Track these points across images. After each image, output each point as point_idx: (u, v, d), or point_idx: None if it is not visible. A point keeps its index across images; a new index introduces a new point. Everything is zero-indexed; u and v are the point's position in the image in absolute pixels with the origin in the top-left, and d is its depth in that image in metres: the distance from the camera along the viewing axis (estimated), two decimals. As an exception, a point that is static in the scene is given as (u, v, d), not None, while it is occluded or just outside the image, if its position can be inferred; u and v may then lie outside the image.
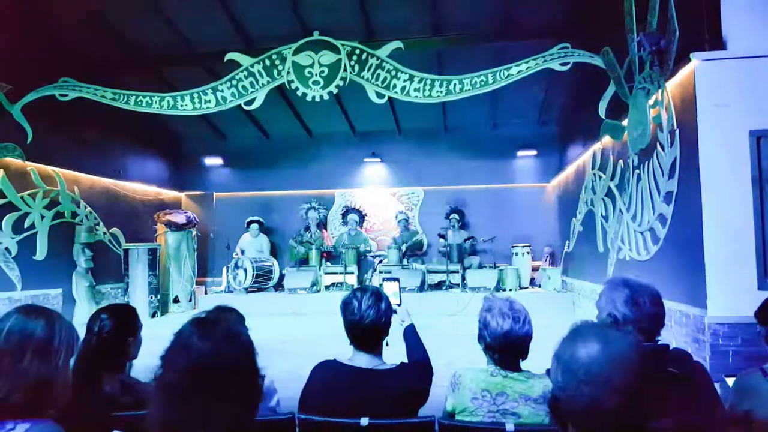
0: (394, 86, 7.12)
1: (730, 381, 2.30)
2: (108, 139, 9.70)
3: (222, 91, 7.51)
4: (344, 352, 2.06)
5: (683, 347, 4.39)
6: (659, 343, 1.79)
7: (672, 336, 4.76)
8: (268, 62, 7.41)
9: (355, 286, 7.60)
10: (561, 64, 6.43)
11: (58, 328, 1.33)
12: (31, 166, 7.98)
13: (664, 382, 1.61)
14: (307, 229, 11.49)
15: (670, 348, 1.80)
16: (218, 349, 1.09)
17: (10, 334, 1.28)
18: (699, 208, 4.33)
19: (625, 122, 5.94)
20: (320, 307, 9.19)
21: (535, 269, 10.51)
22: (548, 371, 1.21)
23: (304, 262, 10.94)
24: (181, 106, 7.62)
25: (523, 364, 1.94)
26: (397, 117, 11.09)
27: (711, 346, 4.18)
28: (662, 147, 5.02)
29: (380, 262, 10.84)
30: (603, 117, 6.38)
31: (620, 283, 1.84)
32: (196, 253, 10.74)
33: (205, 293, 11.05)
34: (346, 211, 11.75)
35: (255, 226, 11.13)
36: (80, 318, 8.43)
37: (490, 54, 8.19)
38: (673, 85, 4.83)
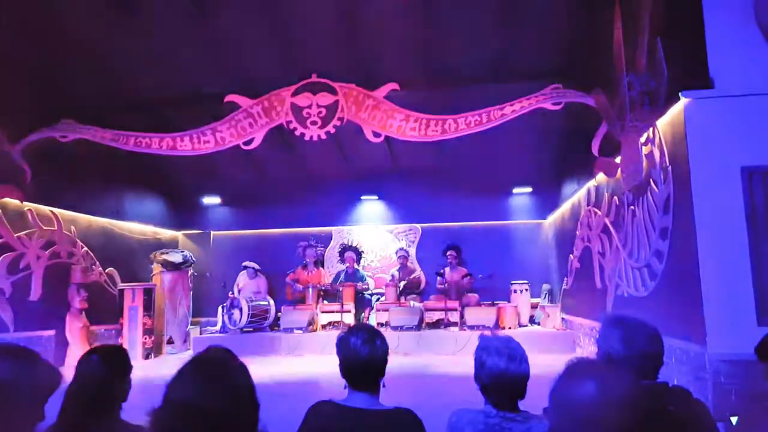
0: (391, 126, 7.24)
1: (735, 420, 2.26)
2: (107, 179, 9.74)
3: (221, 131, 7.62)
4: (341, 393, 2.03)
5: (685, 385, 4.32)
6: (658, 381, 1.77)
7: (673, 374, 4.69)
8: (266, 104, 7.55)
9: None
10: (553, 104, 6.57)
11: (26, 370, 1.27)
12: (29, 207, 8.00)
13: (664, 421, 1.58)
14: (305, 267, 11.44)
15: (670, 386, 1.78)
16: (214, 390, 1.09)
17: None
18: (694, 243, 4.34)
19: (618, 159, 6.02)
20: (317, 346, 9.06)
21: (534, 307, 10.42)
22: (545, 410, 1.19)
23: (300, 300, 10.84)
24: (181, 146, 7.71)
25: (523, 405, 1.91)
26: (393, 155, 11.21)
27: (713, 384, 4.11)
28: (656, 183, 5.08)
29: (377, 300, 10.75)
30: (596, 154, 6.48)
31: (615, 320, 1.83)
32: (191, 293, 10.64)
33: (200, 334, 10.89)
34: (344, 249, 11.71)
35: (251, 270, 11.11)
36: (73, 360, 8.27)
37: (484, 94, 8.35)
38: (664, 123, 4.93)
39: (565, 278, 9.59)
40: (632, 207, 5.80)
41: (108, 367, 1.97)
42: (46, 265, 8.23)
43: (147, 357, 9.13)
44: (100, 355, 1.99)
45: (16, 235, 7.75)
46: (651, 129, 5.09)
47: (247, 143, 7.66)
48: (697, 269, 4.30)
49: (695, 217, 4.35)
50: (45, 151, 7.79)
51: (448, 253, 11.01)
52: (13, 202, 7.65)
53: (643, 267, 5.53)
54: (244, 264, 11.17)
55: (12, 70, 7.45)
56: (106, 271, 9.64)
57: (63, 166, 8.43)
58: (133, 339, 9.07)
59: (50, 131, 7.74)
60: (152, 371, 7.35)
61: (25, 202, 7.80)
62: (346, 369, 1.94)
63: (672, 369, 4.71)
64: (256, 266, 11.19)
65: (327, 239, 12.12)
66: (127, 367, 2.06)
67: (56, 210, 8.57)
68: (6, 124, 7.41)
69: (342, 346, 1.94)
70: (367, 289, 11.24)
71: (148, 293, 9.49)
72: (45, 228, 8.29)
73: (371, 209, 12.22)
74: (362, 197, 12.08)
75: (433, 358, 8.42)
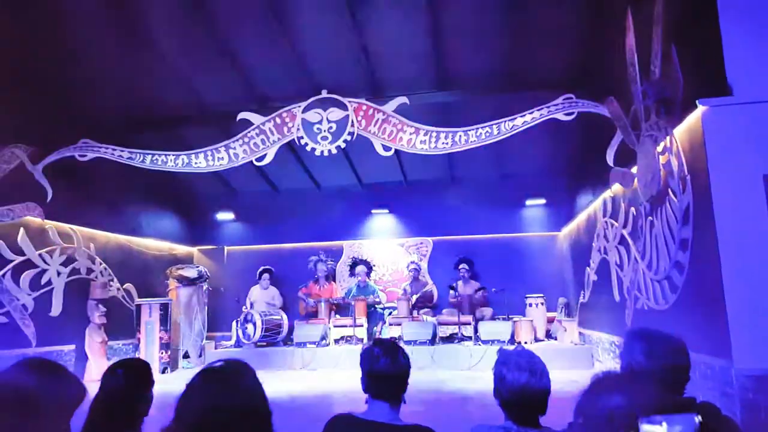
0: (401, 139, 7.25)
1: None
2: (124, 196, 9.90)
3: (234, 148, 7.69)
4: (357, 407, 2.01)
5: (712, 402, 4.19)
6: (685, 396, 1.71)
7: (698, 390, 4.57)
8: (278, 120, 7.62)
9: (365, 339, 7.51)
10: (566, 114, 6.53)
11: (52, 383, 1.29)
12: (50, 224, 8.14)
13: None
14: (316, 281, 11.42)
15: (697, 401, 1.72)
16: (225, 402, 1.09)
17: (0, 390, 1.24)
18: (716, 254, 4.24)
19: (634, 169, 5.95)
20: (330, 361, 9.01)
21: (550, 321, 10.27)
22: (570, 425, 1.15)
23: (312, 315, 10.81)
24: (195, 163, 7.81)
25: (544, 420, 1.86)
26: (403, 168, 11.23)
27: (741, 400, 3.98)
28: (674, 193, 4.99)
29: (390, 314, 10.69)
30: (611, 165, 6.41)
31: (639, 332, 1.79)
32: (206, 308, 10.68)
33: (215, 348, 10.89)
34: (354, 263, 11.69)
35: (266, 276, 11.15)
36: (91, 375, 8.34)
37: (495, 105, 8.34)
38: (681, 131, 4.85)
39: (582, 291, 9.45)
40: (650, 218, 5.70)
41: (133, 380, 1.98)
42: (66, 281, 8.36)
43: (163, 371, 9.14)
44: (125, 369, 2.01)
45: (37, 252, 7.89)
46: (668, 138, 5.01)
47: (259, 159, 7.73)
48: (720, 281, 4.20)
49: (717, 227, 4.25)
50: (64, 169, 7.93)
51: (461, 266, 10.93)
52: (35, 220, 7.80)
53: (663, 279, 5.42)
54: (260, 269, 11.19)
55: (33, 91, 7.63)
56: (124, 286, 9.73)
57: (82, 184, 8.58)
58: (149, 353, 9.10)
59: (70, 151, 7.89)
60: (169, 385, 7.36)
61: (46, 220, 7.93)
62: (368, 380, 1.95)
63: (697, 385, 4.58)
64: (271, 268, 11.24)
65: (338, 253, 12.11)
66: (151, 381, 2.07)
67: (75, 227, 8.70)
68: (29, 144, 7.58)
69: (366, 357, 1.96)
70: (379, 302, 11.18)
71: (165, 308, 9.54)
72: (65, 245, 8.42)
73: (382, 223, 12.21)
74: (373, 211, 12.08)
75: (448, 373, 8.31)
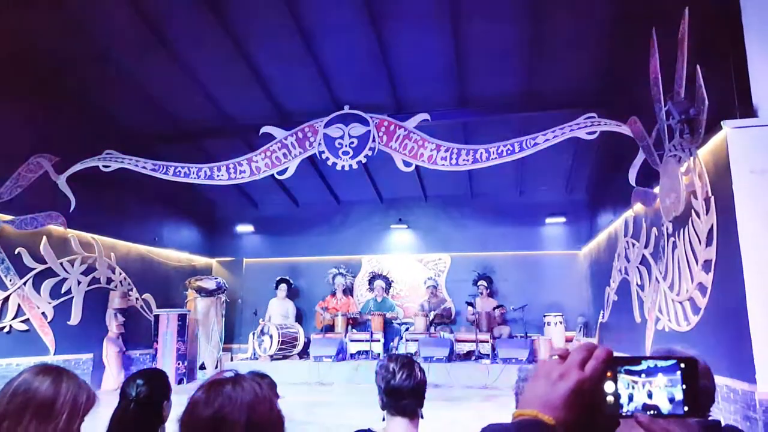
0: (422, 155, 7.28)
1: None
2: (146, 207, 10.06)
3: (257, 161, 7.79)
4: (372, 422, 2.01)
5: (734, 425, 4.09)
6: (710, 419, 1.68)
7: (720, 413, 4.46)
8: (300, 134, 7.71)
9: (381, 354, 7.43)
10: (588, 133, 6.50)
11: (64, 388, 1.32)
12: (72, 233, 8.28)
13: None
14: (334, 294, 11.44)
15: (722, 425, 1.69)
16: (230, 416, 1.05)
17: (14, 395, 1.29)
18: (740, 276, 4.17)
19: (656, 189, 5.89)
20: (346, 375, 8.98)
21: (568, 340, 10.13)
22: None
23: (329, 328, 10.81)
24: (218, 176, 7.91)
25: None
26: (423, 184, 11.25)
27: (765, 425, 3.89)
28: (697, 214, 4.93)
29: (407, 329, 10.64)
30: (633, 184, 6.35)
31: (663, 354, 1.76)
32: (224, 319, 10.75)
33: (231, 360, 10.94)
34: (373, 278, 11.70)
35: (284, 286, 11.20)
36: (108, 384, 8.41)
37: (516, 123, 8.35)
38: (705, 152, 4.81)
39: (602, 311, 9.31)
40: (672, 238, 5.63)
41: (152, 389, 2.01)
42: (86, 290, 8.48)
43: (180, 382, 9.20)
44: (146, 379, 2.04)
45: (59, 260, 8.02)
46: (691, 159, 4.97)
47: (281, 173, 7.81)
48: (744, 303, 4.12)
49: (741, 249, 4.18)
50: (88, 179, 8.09)
51: (479, 283, 10.88)
52: (57, 228, 7.95)
53: (685, 300, 5.33)
54: (278, 279, 11.29)
55: (58, 102, 7.83)
56: (143, 296, 9.84)
57: (104, 195, 8.74)
58: (166, 364, 9.16)
59: (94, 161, 8.04)
60: (184, 397, 7.39)
61: (68, 229, 8.08)
62: (385, 395, 1.93)
63: (719, 408, 4.48)
64: (289, 279, 11.35)
65: (356, 268, 12.13)
66: (169, 390, 2.11)
67: (97, 236, 8.85)
68: (54, 154, 7.76)
69: (382, 373, 1.95)
70: (396, 318, 11.14)
71: (182, 319, 9.62)
72: (86, 254, 8.56)
73: (401, 238, 12.21)
74: (392, 226, 12.09)
75: (465, 390, 8.24)
